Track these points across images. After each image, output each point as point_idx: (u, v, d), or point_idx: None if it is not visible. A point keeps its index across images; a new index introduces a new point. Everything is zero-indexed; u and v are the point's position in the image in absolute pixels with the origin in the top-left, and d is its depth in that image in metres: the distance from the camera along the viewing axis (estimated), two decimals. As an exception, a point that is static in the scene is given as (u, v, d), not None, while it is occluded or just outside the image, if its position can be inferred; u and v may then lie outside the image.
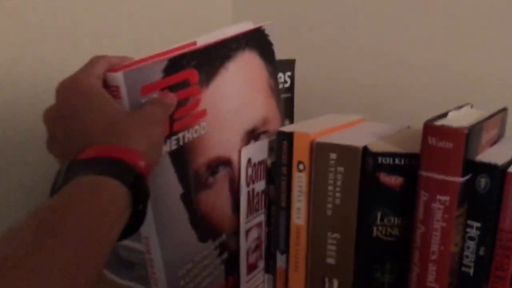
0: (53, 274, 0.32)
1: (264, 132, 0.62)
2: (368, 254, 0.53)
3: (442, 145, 0.46)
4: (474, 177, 0.47)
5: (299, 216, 0.58)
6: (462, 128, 0.46)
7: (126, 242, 0.66)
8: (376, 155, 0.51)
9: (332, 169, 0.54)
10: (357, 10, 0.82)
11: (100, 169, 0.38)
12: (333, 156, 0.54)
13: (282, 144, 0.58)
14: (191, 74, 0.51)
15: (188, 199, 0.53)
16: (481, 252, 0.48)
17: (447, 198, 0.47)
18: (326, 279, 0.57)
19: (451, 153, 0.46)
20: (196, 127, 0.52)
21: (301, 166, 0.57)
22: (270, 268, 0.63)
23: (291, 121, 0.71)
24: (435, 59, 0.77)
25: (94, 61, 0.45)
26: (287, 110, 0.70)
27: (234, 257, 0.60)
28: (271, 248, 0.63)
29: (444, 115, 0.51)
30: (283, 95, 0.69)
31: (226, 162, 0.57)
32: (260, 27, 0.60)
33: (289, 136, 0.57)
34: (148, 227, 0.49)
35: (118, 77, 0.44)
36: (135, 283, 0.67)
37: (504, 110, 0.57)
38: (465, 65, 0.75)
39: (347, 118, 0.67)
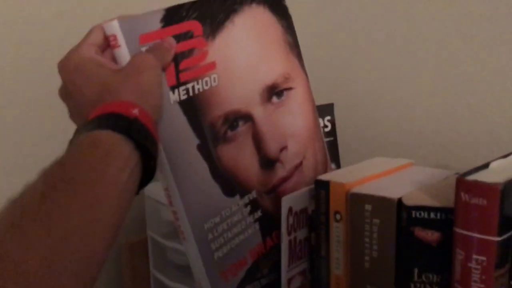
0: (69, 215, 0.33)
1: (289, 89, 0.61)
2: (407, 311, 0.51)
3: (476, 202, 0.44)
4: (514, 236, 0.44)
5: (338, 266, 0.57)
6: (496, 184, 0.43)
7: (175, 245, 0.67)
8: (410, 208, 0.49)
9: (368, 220, 0.53)
10: (403, 49, 0.79)
11: (95, 126, 0.40)
12: (368, 207, 0.53)
13: (320, 193, 0.57)
14: (194, 26, 0.52)
15: (206, 151, 0.54)
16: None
17: (484, 258, 0.44)
18: (368, 333, 0.55)
19: (486, 210, 0.43)
20: (206, 79, 0.53)
21: (337, 216, 0.56)
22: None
23: (337, 165, 0.70)
24: (497, 98, 0.72)
25: (89, 32, 0.47)
26: (332, 154, 0.69)
27: (269, 217, 0.60)
28: (315, 297, 0.62)
29: (486, 166, 0.48)
30: (326, 139, 0.68)
31: (245, 117, 0.57)
32: None
33: (326, 185, 0.57)
34: (166, 177, 0.51)
35: (113, 25, 0.46)
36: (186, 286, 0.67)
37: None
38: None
39: (394, 163, 0.65)
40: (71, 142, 0.41)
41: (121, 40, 0.47)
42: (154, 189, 0.69)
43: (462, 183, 0.44)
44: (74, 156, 0.39)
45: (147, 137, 0.42)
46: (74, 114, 0.47)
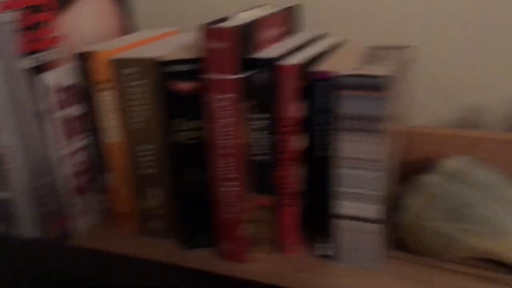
0: None
1: None
2: (178, 159, 0.56)
3: (218, 46, 0.49)
4: (253, 73, 0.51)
5: (112, 134, 0.60)
6: (231, 27, 0.48)
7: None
8: (165, 64, 0.53)
9: (133, 83, 0.55)
10: None
11: None
12: (129, 71, 0.55)
13: (83, 66, 0.58)
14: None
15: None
16: (270, 141, 0.53)
17: (229, 95, 0.50)
18: (150, 189, 0.60)
19: (226, 52, 0.49)
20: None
21: (103, 86, 0.57)
22: (102, 187, 0.65)
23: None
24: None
25: None
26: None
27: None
28: (100, 168, 0.65)
29: (224, 19, 0.54)
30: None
31: None
32: None
33: (86, 57, 0.57)
34: None
35: None
36: None
37: (290, 8, 0.61)
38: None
39: (158, 32, 0.67)
40: None
41: None
42: None
43: (206, 31, 0.49)
44: None
45: None
46: None
